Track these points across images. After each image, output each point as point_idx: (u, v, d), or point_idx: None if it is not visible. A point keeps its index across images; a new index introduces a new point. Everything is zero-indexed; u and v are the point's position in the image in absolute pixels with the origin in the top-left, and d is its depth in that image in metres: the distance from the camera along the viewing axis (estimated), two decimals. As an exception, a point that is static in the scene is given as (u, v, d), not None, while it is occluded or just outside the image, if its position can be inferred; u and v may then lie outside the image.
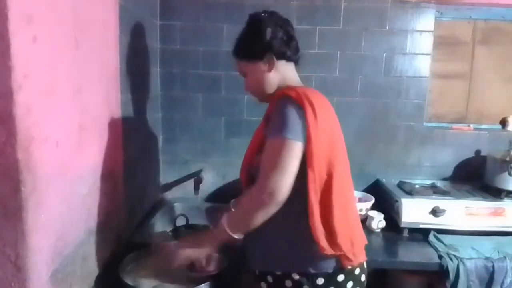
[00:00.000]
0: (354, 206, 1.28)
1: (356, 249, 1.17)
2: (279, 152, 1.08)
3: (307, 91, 1.14)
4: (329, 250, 1.12)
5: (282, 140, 1.08)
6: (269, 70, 1.24)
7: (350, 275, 1.17)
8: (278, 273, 1.18)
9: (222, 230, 1.14)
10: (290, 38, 1.25)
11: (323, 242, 1.11)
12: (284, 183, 1.06)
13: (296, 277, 1.15)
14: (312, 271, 1.14)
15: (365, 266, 1.25)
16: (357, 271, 1.19)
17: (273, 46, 1.22)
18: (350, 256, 1.15)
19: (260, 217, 1.10)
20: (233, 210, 1.30)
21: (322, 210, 1.12)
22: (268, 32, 1.21)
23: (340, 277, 1.16)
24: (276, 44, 1.22)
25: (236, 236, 1.13)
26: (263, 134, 1.18)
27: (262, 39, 1.22)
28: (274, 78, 1.25)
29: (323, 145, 1.12)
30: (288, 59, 1.26)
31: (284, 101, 1.13)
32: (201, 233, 1.30)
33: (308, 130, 1.09)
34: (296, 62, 1.30)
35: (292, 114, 1.10)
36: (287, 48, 1.24)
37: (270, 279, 1.21)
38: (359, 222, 1.27)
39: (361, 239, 1.24)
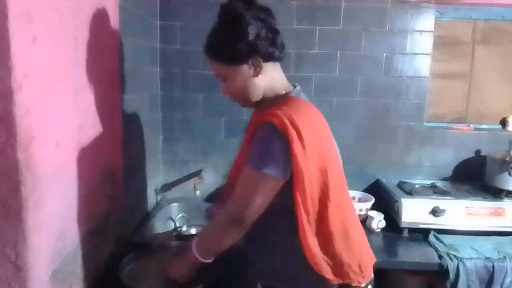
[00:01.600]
0: (357, 226, 1.16)
1: (365, 273, 1.10)
2: (252, 184, 1.02)
3: (294, 112, 1.01)
4: (335, 280, 1.06)
5: (258, 173, 1.00)
6: (256, 74, 1.09)
7: None
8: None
9: (192, 255, 1.11)
10: (274, 34, 1.09)
11: (328, 275, 1.05)
12: (250, 216, 1.03)
13: None
14: None
15: (372, 277, 1.19)
16: (363, 285, 1.14)
17: (259, 48, 1.06)
18: (360, 279, 1.09)
19: (226, 242, 1.08)
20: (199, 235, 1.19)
21: (320, 242, 1.05)
22: (252, 30, 1.04)
23: None
24: (262, 44, 1.06)
25: (205, 261, 1.11)
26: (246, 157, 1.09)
27: (245, 40, 1.04)
28: (261, 83, 1.10)
29: (315, 175, 1.02)
30: (276, 59, 1.11)
31: (267, 130, 1.01)
32: (175, 259, 1.22)
33: (296, 162, 0.98)
34: (282, 59, 1.15)
35: (274, 146, 0.99)
36: (274, 47, 1.08)
37: None
38: (365, 241, 1.18)
39: (370, 260, 1.16)
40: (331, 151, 1.10)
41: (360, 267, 1.09)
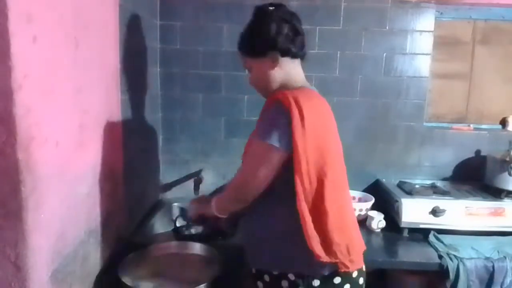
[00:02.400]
0: (351, 211, 1.25)
1: (353, 256, 1.14)
2: (257, 155, 1.13)
3: (301, 95, 1.11)
4: (324, 258, 1.10)
5: (262, 144, 1.10)
6: (273, 67, 1.22)
7: (347, 278, 1.16)
8: (275, 272, 1.19)
9: (210, 208, 1.27)
10: (296, 34, 1.21)
11: (318, 250, 1.10)
12: (252, 185, 1.14)
13: (292, 277, 1.16)
14: (307, 273, 1.14)
15: (363, 269, 1.23)
16: (354, 274, 1.17)
17: (277, 43, 1.18)
18: (347, 262, 1.13)
19: (234, 207, 1.24)
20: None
21: (315, 218, 1.10)
22: (273, 27, 1.18)
23: (337, 279, 1.14)
24: (281, 40, 1.18)
25: (220, 215, 1.26)
26: None
27: (267, 35, 1.19)
28: (277, 75, 1.23)
29: (311, 153, 1.09)
30: (293, 56, 1.23)
31: (273, 105, 1.12)
32: (198, 201, 1.41)
33: (294, 138, 1.07)
34: (302, 58, 1.27)
35: (278, 120, 1.09)
36: (292, 44, 1.20)
37: (267, 278, 1.21)
38: (357, 228, 1.24)
39: (359, 245, 1.21)
40: (332, 138, 1.18)
41: (348, 248, 1.13)
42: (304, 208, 1.09)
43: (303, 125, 1.07)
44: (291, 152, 1.09)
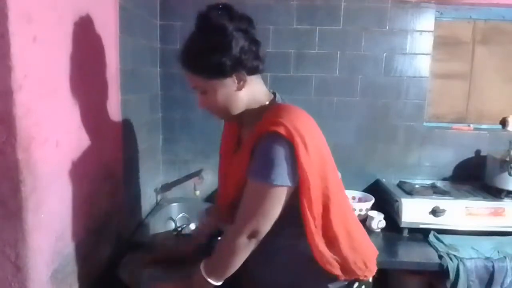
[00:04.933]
0: (357, 222, 1.21)
1: (370, 267, 1.15)
2: (262, 198, 1.01)
3: (296, 119, 1.00)
4: (344, 277, 1.10)
5: (268, 186, 0.99)
6: (240, 88, 1.05)
7: (364, 283, 1.17)
8: None
9: (202, 279, 1.06)
10: (257, 46, 1.05)
11: (337, 271, 1.08)
12: (265, 229, 1.03)
13: None
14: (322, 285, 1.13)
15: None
16: (370, 279, 1.19)
17: (243, 62, 1.02)
18: (367, 273, 1.14)
19: (239, 261, 1.05)
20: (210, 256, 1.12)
21: (327, 244, 1.07)
22: (236, 44, 1.00)
23: (356, 285, 1.15)
24: (247, 58, 1.02)
25: (215, 283, 1.06)
26: (244, 169, 1.06)
27: (229, 54, 1.00)
28: (244, 96, 1.07)
29: (316, 179, 1.02)
30: (259, 72, 1.09)
31: (272, 139, 0.99)
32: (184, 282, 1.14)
33: (302, 168, 0.98)
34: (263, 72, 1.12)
35: (281, 155, 0.98)
36: (258, 60, 1.05)
37: None
38: (366, 236, 1.21)
39: (373, 254, 1.19)
40: (327, 153, 1.10)
41: (365, 263, 1.13)
42: (318, 238, 1.05)
43: (308, 153, 0.98)
44: (296, 185, 1.01)
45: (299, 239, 1.07)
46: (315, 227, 1.04)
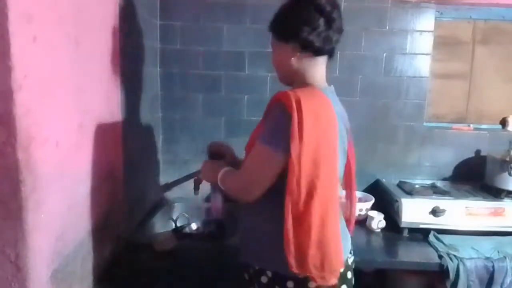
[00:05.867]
0: (337, 226, 1.13)
1: (326, 273, 1.09)
2: (261, 160, 1.11)
3: (305, 98, 1.05)
4: (295, 268, 1.07)
5: (265, 149, 1.09)
6: (290, 57, 1.16)
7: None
8: (256, 267, 1.19)
9: (215, 172, 1.25)
10: (328, 28, 1.12)
11: (292, 258, 1.07)
12: (257, 189, 1.12)
13: (270, 275, 1.16)
14: (282, 272, 1.12)
15: (348, 276, 1.20)
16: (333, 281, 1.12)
17: (300, 33, 1.11)
18: (318, 279, 1.08)
19: (235, 196, 1.20)
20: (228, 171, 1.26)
21: (297, 227, 1.06)
22: (303, 15, 1.10)
23: (312, 284, 1.11)
24: (305, 31, 1.10)
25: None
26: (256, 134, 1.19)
27: (292, 22, 1.12)
28: (293, 67, 1.17)
29: (306, 164, 1.05)
30: (315, 51, 1.15)
31: (277, 107, 1.09)
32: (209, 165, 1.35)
33: (291, 141, 1.03)
34: (330, 56, 1.21)
35: (282, 125, 1.05)
36: (318, 38, 1.12)
37: (251, 271, 1.23)
38: (339, 244, 1.12)
39: (337, 263, 1.11)
40: (330, 147, 1.10)
41: (322, 264, 1.08)
42: (288, 216, 1.06)
43: (301, 135, 1.03)
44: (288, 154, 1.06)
45: (277, 221, 1.08)
46: (291, 206, 1.05)
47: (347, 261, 1.21)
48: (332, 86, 1.24)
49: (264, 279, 1.17)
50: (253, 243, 1.22)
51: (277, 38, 1.18)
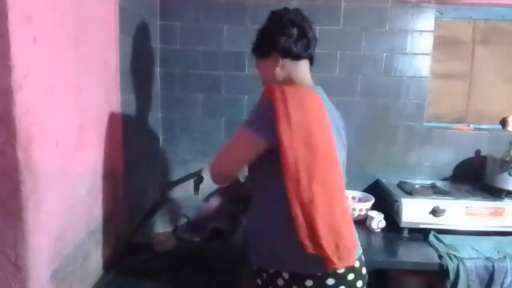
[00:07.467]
0: (345, 208, 1.18)
1: (342, 253, 1.10)
2: (235, 140, 1.18)
3: (290, 90, 1.11)
4: (312, 249, 1.07)
5: (243, 130, 1.14)
6: (274, 67, 1.25)
7: (341, 280, 1.14)
8: (271, 270, 1.19)
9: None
10: (301, 36, 1.24)
11: (306, 240, 1.07)
12: (223, 167, 1.23)
13: (287, 276, 1.16)
14: (300, 272, 1.14)
15: (363, 272, 1.21)
16: (350, 277, 1.15)
17: (278, 43, 1.22)
18: (335, 259, 1.08)
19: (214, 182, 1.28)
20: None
21: (305, 212, 1.08)
22: (278, 29, 1.22)
23: (330, 281, 1.13)
24: (282, 41, 1.22)
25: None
26: None
27: (269, 36, 1.24)
28: (279, 75, 1.26)
29: (299, 148, 1.07)
30: (294, 57, 1.25)
31: (263, 98, 1.15)
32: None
33: (279, 132, 1.06)
34: (310, 61, 1.32)
35: (265, 112, 1.10)
36: (294, 45, 1.23)
37: (264, 276, 1.22)
38: (350, 225, 1.17)
39: (351, 243, 1.14)
40: (324, 136, 1.12)
41: (337, 245, 1.09)
42: (294, 202, 1.08)
43: (288, 121, 1.07)
44: (272, 144, 1.08)
45: (285, 217, 1.10)
46: (295, 192, 1.07)
47: (361, 256, 1.22)
48: (319, 86, 1.32)
49: (280, 282, 1.17)
50: (265, 248, 1.21)
51: (260, 55, 1.29)
